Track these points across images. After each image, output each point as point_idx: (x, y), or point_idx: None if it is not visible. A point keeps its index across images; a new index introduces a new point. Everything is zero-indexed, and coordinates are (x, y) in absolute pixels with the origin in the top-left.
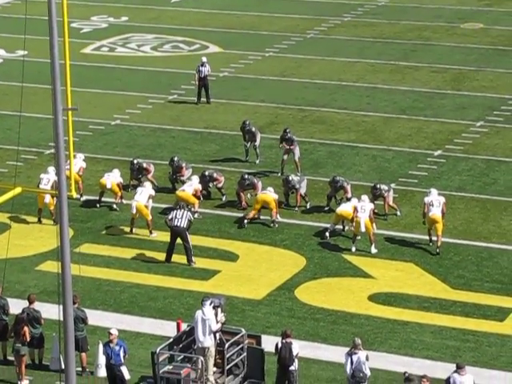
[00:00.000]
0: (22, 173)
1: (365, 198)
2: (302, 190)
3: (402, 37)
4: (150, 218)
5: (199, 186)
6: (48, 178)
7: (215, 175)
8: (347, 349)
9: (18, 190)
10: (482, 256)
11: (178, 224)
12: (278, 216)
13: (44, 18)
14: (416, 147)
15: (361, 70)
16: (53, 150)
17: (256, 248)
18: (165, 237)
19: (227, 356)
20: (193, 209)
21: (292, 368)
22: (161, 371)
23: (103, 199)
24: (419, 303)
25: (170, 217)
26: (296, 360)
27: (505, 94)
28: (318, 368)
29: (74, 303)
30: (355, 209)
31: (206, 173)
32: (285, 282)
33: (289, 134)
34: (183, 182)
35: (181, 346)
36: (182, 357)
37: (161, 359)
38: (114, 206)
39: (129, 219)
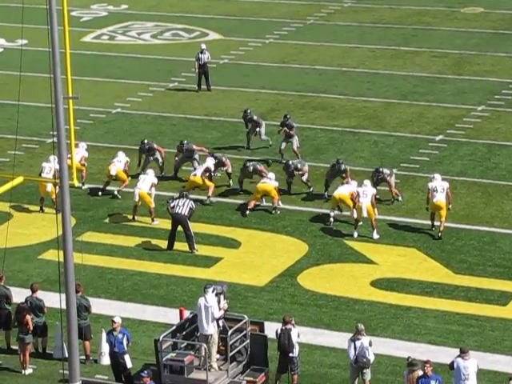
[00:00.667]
0: (24, 162)
1: (367, 182)
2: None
3: (402, 22)
4: (152, 205)
5: (211, 167)
6: (50, 166)
7: (223, 159)
8: (350, 334)
9: (20, 179)
10: (484, 240)
11: (179, 211)
12: (280, 203)
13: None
14: (417, 132)
15: (361, 55)
16: (54, 139)
17: (258, 235)
18: (167, 224)
19: (230, 343)
20: (208, 194)
21: (291, 354)
22: (164, 359)
23: (106, 187)
24: (422, 288)
25: (171, 204)
26: (297, 346)
27: (506, 78)
28: (321, 354)
29: (77, 292)
30: (357, 194)
31: (215, 156)
32: (287, 268)
33: (289, 120)
34: (194, 168)
35: (184, 333)
36: (185, 344)
37: (164, 347)
38: (115, 193)
39: (131, 207)
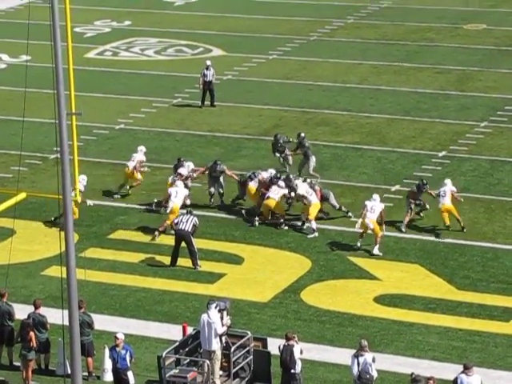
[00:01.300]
0: (27, 178)
1: (376, 197)
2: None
3: (405, 38)
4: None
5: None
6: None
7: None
8: (353, 351)
9: (23, 195)
10: (487, 256)
11: (183, 228)
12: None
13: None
14: (420, 148)
15: (364, 71)
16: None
17: (261, 251)
18: (170, 240)
19: (233, 359)
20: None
21: (293, 371)
22: (167, 375)
23: (105, 203)
24: (425, 304)
25: (175, 221)
26: (299, 362)
27: (508, 95)
28: (325, 370)
29: (80, 308)
30: (364, 207)
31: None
32: (290, 284)
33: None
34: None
35: (187, 349)
36: (188, 360)
37: (167, 363)
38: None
39: (134, 223)
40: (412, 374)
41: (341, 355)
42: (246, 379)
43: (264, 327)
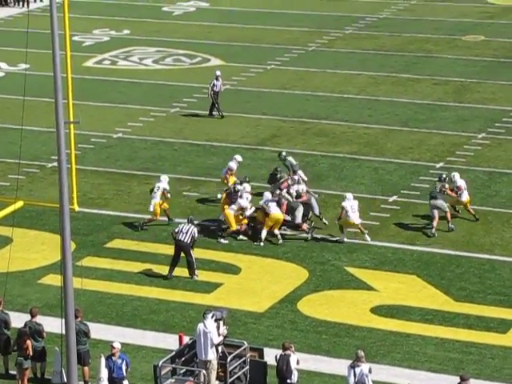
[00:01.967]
0: (24, 186)
1: (350, 196)
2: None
3: (403, 49)
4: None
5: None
6: (158, 186)
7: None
8: (350, 361)
9: (20, 203)
10: (484, 268)
11: (182, 239)
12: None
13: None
14: (418, 159)
15: (362, 82)
16: (55, 164)
17: (258, 261)
18: (167, 250)
19: (230, 369)
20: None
21: (289, 381)
22: None
23: (102, 212)
24: (422, 315)
25: (176, 229)
26: (295, 372)
27: (506, 106)
28: (321, 381)
29: (77, 317)
30: (343, 209)
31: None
32: (287, 294)
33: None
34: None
35: (183, 359)
36: (184, 370)
37: (163, 372)
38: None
39: (131, 232)
40: None
41: (337, 366)
42: None
43: (260, 337)
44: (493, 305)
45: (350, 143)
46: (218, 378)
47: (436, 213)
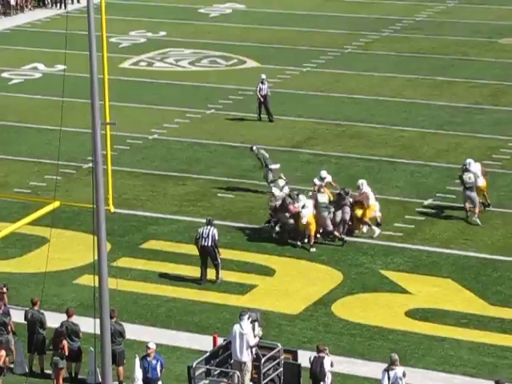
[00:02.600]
0: (61, 187)
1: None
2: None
3: (439, 52)
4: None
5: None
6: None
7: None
8: (384, 364)
9: (57, 204)
10: None
11: (205, 244)
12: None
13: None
14: (454, 162)
15: (398, 84)
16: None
17: (293, 263)
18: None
19: (263, 371)
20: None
21: (323, 383)
22: None
23: (138, 213)
24: (456, 319)
25: (197, 236)
26: (329, 375)
27: None
28: (355, 383)
29: (112, 317)
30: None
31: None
32: (321, 297)
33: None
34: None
35: (217, 360)
36: (218, 371)
37: (197, 373)
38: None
39: (166, 233)
40: None
41: (371, 369)
42: None
43: (294, 339)
44: None
45: (385, 146)
46: (251, 379)
47: (467, 204)
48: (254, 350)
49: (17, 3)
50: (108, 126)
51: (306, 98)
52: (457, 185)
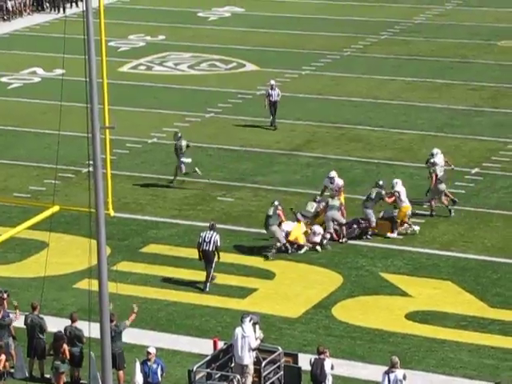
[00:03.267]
0: (60, 191)
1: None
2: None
3: (438, 54)
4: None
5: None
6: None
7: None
8: (384, 367)
9: (56, 208)
10: None
11: (207, 248)
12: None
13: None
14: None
15: (397, 87)
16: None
17: (293, 266)
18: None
19: (264, 374)
20: None
21: None
22: None
23: (137, 217)
24: (457, 321)
25: (199, 240)
26: (330, 377)
27: None
28: None
29: (112, 321)
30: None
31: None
32: (321, 300)
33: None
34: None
35: (218, 363)
36: (219, 375)
37: (198, 377)
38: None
39: (166, 237)
40: None
41: (372, 372)
42: None
43: (295, 343)
44: None
45: (384, 149)
46: (252, 383)
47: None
48: (254, 353)
49: (15, 8)
50: (107, 130)
51: (305, 101)
52: (456, 187)
